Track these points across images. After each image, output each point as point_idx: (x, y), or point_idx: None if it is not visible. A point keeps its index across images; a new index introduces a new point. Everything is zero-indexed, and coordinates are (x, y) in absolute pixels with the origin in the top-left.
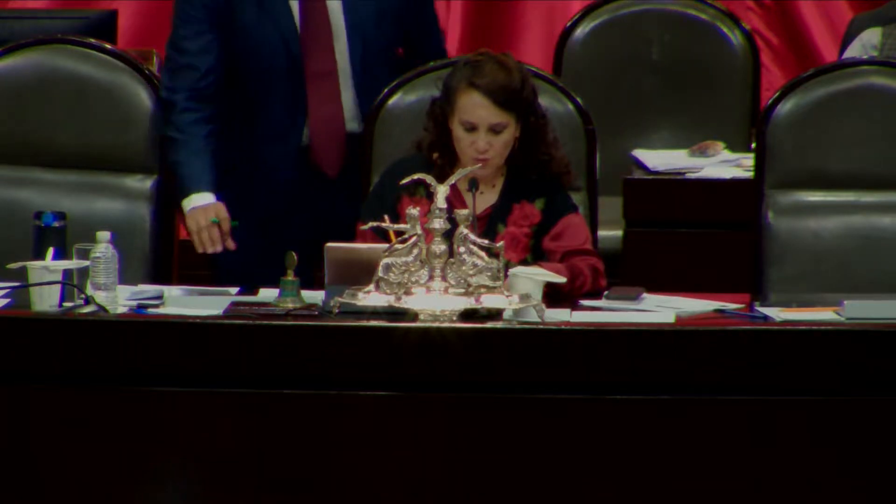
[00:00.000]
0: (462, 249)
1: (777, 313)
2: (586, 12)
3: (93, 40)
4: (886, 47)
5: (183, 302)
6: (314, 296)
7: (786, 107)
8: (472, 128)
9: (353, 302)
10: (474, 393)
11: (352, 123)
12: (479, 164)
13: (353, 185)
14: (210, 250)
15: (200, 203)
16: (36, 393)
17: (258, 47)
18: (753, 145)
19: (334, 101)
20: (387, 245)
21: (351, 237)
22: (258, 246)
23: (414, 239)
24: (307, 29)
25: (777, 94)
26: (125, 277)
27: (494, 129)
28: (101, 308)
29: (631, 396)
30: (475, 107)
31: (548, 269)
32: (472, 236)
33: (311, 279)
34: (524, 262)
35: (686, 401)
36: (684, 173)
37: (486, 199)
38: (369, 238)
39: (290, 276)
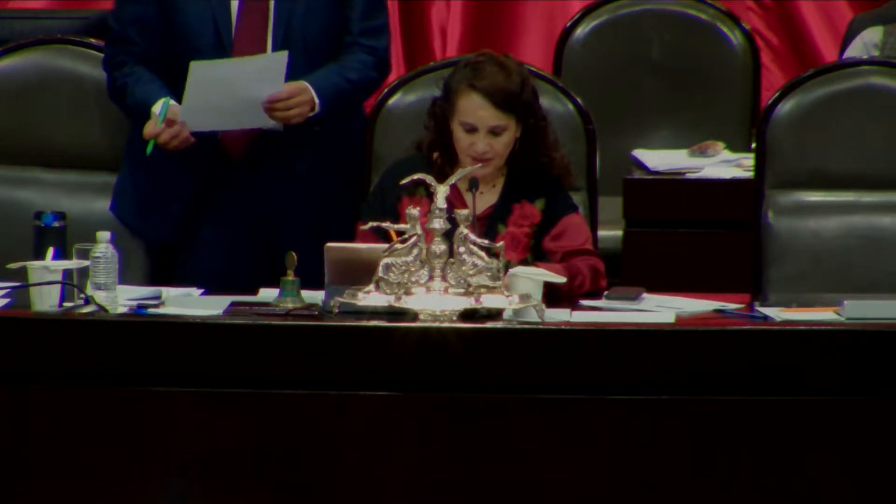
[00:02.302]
0: (462, 249)
1: (777, 313)
2: (586, 12)
3: (93, 40)
4: (887, 47)
5: (183, 302)
6: (314, 296)
7: (786, 107)
8: (471, 129)
9: (353, 302)
10: (474, 393)
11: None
12: (479, 165)
13: (265, 177)
14: (172, 146)
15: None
16: (36, 393)
17: (189, 24)
18: (753, 145)
19: None
20: (387, 245)
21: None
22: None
23: (414, 239)
24: (243, 18)
25: (777, 94)
26: (125, 277)
27: (494, 131)
28: (101, 308)
29: (631, 396)
30: (475, 108)
31: (546, 270)
32: (472, 236)
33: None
34: (524, 263)
35: (686, 401)
36: (684, 173)
37: (487, 199)
38: (369, 238)
39: (290, 276)
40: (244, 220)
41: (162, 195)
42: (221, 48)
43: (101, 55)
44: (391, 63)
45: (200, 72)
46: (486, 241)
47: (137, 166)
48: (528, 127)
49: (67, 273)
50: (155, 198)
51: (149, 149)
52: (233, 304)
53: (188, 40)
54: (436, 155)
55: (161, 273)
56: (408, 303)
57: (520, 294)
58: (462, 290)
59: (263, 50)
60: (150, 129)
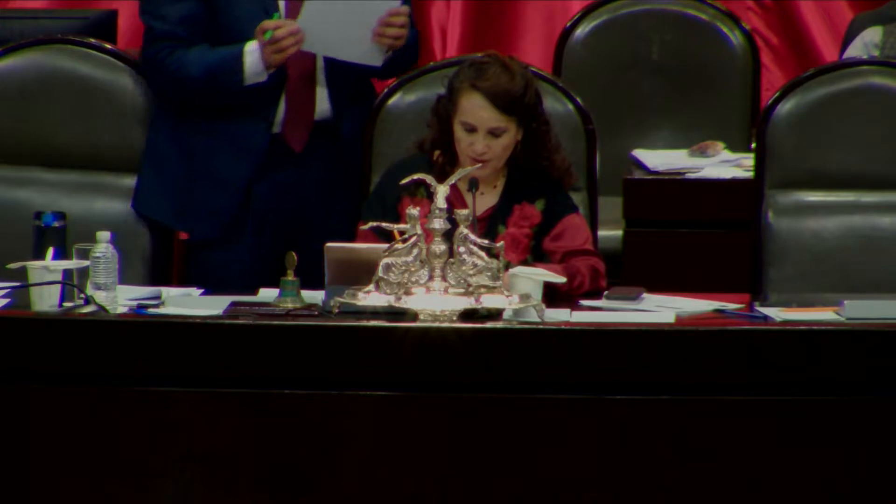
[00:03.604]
0: (462, 249)
1: (777, 313)
2: (586, 12)
3: (93, 40)
4: (887, 46)
5: (183, 302)
6: (314, 296)
7: (786, 107)
8: (471, 129)
9: (353, 302)
10: (474, 393)
11: (323, 104)
12: (478, 165)
13: (319, 165)
14: (287, 45)
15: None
16: (36, 393)
17: (238, 18)
18: (753, 145)
19: (309, 86)
20: (387, 245)
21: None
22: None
23: (414, 239)
24: (291, 11)
25: (777, 94)
26: (125, 277)
27: (494, 133)
28: (101, 308)
29: (631, 396)
30: (475, 109)
31: (546, 270)
32: (472, 236)
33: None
34: (524, 263)
35: (686, 401)
36: (684, 173)
37: (487, 200)
38: (369, 238)
39: (290, 276)
40: (289, 213)
41: (208, 190)
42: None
43: (123, 64)
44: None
45: None
46: (486, 242)
47: (170, 162)
48: (530, 130)
49: (67, 273)
50: (200, 193)
51: (267, 35)
52: (233, 304)
53: (238, 34)
54: (437, 154)
55: (161, 273)
56: (408, 303)
57: (520, 294)
58: (462, 290)
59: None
60: (268, 22)
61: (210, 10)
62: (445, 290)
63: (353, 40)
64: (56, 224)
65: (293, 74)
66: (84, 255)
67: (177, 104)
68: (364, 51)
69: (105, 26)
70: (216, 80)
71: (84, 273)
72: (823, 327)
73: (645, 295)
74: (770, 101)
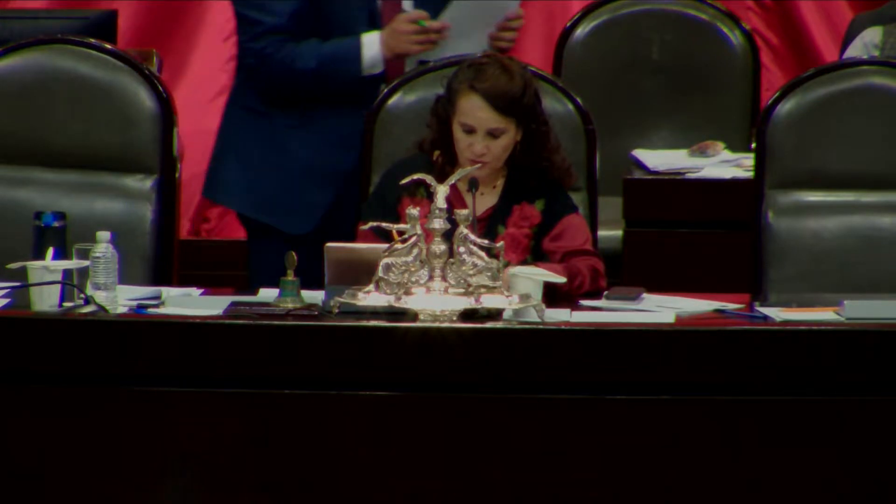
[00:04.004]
0: (462, 249)
1: (777, 313)
2: (586, 12)
3: (93, 40)
4: (887, 47)
5: (183, 302)
6: (314, 296)
7: (786, 107)
8: (470, 130)
9: (353, 302)
10: (474, 393)
11: None
12: (476, 166)
13: None
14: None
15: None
16: (36, 393)
17: (342, 15)
18: (753, 145)
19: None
20: (387, 245)
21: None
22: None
23: (414, 239)
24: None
25: (777, 94)
26: (125, 277)
27: (492, 133)
28: (101, 308)
29: (631, 396)
30: (474, 110)
31: (546, 270)
32: (472, 236)
33: None
34: (524, 263)
35: (686, 401)
36: (684, 173)
37: (487, 200)
38: (369, 238)
39: (290, 276)
40: None
41: (302, 184)
42: (375, 23)
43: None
44: None
45: None
46: (486, 242)
47: (253, 155)
48: (529, 130)
49: (67, 273)
50: (293, 187)
51: (422, 24)
52: (233, 304)
53: (338, 29)
54: (437, 154)
55: (161, 273)
56: (408, 303)
57: (520, 294)
58: (462, 290)
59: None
60: (416, 12)
61: (315, 4)
62: (445, 290)
63: (471, 41)
64: (56, 224)
65: (387, 68)
66: (84, 255)
67: (284, 97)
68: (462, 46)
69: (105, 26)
70: (331, 72)
71: (84, 273)
72: (823, 327)
73: (645, 295)
74: (770, 101)
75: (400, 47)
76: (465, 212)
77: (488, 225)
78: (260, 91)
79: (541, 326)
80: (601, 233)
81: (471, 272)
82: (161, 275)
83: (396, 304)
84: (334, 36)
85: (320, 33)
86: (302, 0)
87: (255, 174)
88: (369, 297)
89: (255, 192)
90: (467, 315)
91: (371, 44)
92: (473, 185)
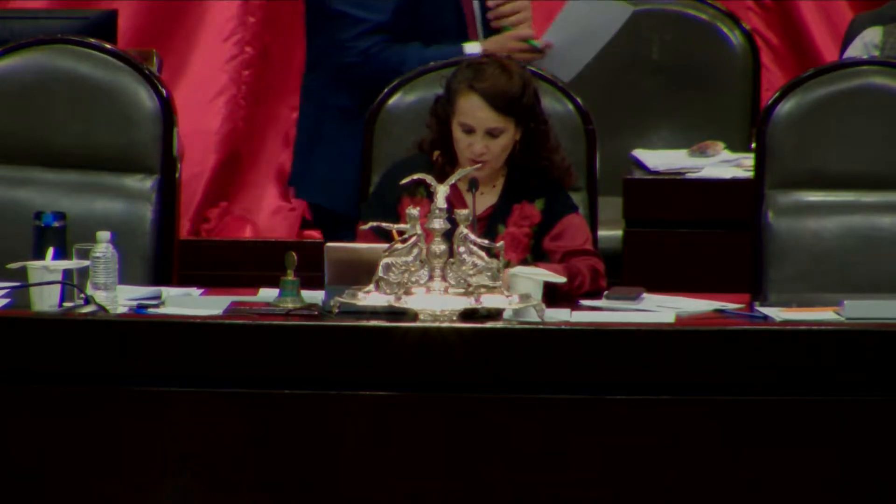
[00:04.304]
0: (462, 249)
1: (777, 313)
2: None
3: (93, 40)
4: (887, 47)
5: (183, 302)
6: (314, 296)
7: (786, 107)
8: (469, 130)
9: (353, 302)
10: (474, 393)
11: None
12: (476, 166)
13: None
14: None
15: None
16: (36, 393)
17: (435, 18)
18: (753, 145)
19: None
20: (387, 245)
21: None
22: None
23: (414, 239)
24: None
25: (777, 94)
26: (125, 277)
27: (492, 133)
28: (101, 308)
29: (631, 396)
30: (473, 110)
31: (546, 270)
32: (472, 236)
33: None
34: (524, 263)
35: (686, 401)
36: (684, 173)
37: (487, 199)
38: (369, 238)
39: (290, 276)
40: None
41: None
42: (463, 27)
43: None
44: None
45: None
46: (486, 241)
47: (348, 156)
48: (529, 130)
49: (67, 273)
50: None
51: (533, 42)
52: (233, 304)
53: (429, 33)
54: (437, 154)
55: (161, 273)
56: (408, 303)
57: (520, 294)
58: (462, 290)
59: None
60: (524, 33)
61: (413, 3)
62: (445, 290)
63: (572, 60)
64: (56, 224)
65: None
66: (84, 255)
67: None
68: (569, 67)
69: (105, 26)
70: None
71: (84, 273)
72: (823, 327)
73: (645, 295)
74: (770, 101)
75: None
76: (465, 212)
77: (488, 224)
78: (357, 89)
79: (541, 326)
80: (601, 233)
81: (471, 272)
82: (161, 275)
83: (396, 304)
84: (425, 35)
85: (417, 33)
86: None
87: (347, 172)
88: (369, 297)
89: (346, 188)
90: (467, 315)
91: (472, 53)
92: (473, 184)
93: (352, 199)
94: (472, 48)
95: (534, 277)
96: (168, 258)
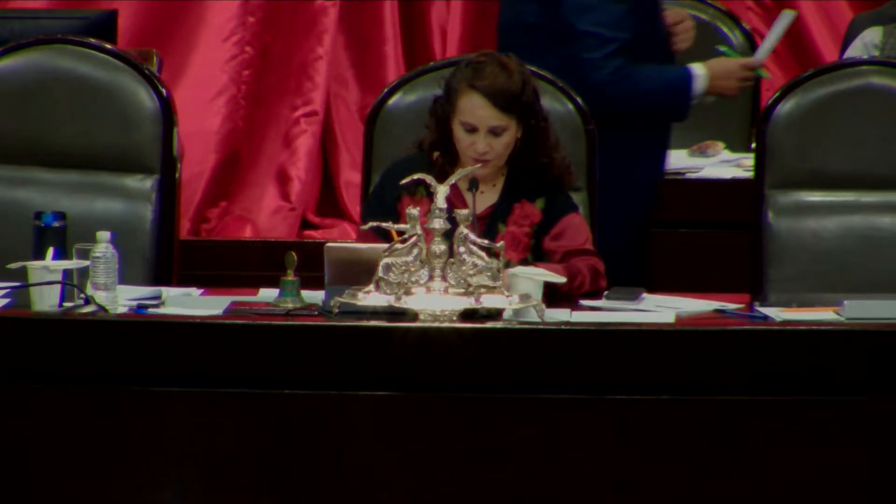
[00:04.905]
0: (462, 249)
1: (777, 313)
2: None
3: (93, 40)
4: (887, 47)
5: (183, 302)
6: (314, 296)
7: (786, 107)
8: (471, 129)
9: (353, 302)
10: (474, 393)
11: None
12: (479, 165)
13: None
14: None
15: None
16: (36, 393)
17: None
18: (753, 145)
19: None
20: (387, 245)
21: None
22: None
23: (414, 239)
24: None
25: (777, 94)
26: (125, 277)
27: (494, 132)
28: (101, 308)
29: (631, 396)
30: (475, 108)
31: (546, 270)
32: (472, 236)
33: None
34: (524, 262)
35: (686, 401)
36: (684, 173)
37: (487, 198)
38: (369, 238)
39: (290, 276)
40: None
41: (622, 193)
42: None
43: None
44: None
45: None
46: (486, 241)
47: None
48: (529, 127)
49: (67, 273)
50: (614, 197)
51: (762, 73)
52: (233, 304)
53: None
54: (436, 154)
55: (161, 273)
56: (408, 303)
57: (520, 294)
58: (462, 290)
59: None
60: (754, 62)
61: (649, 22)
62: (445, 290)
63: None
64: (56, 224)
65: None
66: (84, 255)
67: (619, 115)
68: None
69: (105, 26)
70: (668, 97)
71: (84, 273)
72: (823, 327)
73: (645, 295)
74: (770, 101)
75: (725, 88)
76: (465, 212)
77: (489, 223)
78: (607, 105)
79: (541, 326)
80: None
81: (471, 272)
82: (161, 275)
83: (396, 304)
84: (659, 54)
85: (652, 52)
86: (636, 18)
87: None
88: (369, 297)
89: None
90: (467, 315)
91: (700, 77)
92: (473, 184)
93: None
94: (700, 73)
95: (534, 277)
96: (168, 258)
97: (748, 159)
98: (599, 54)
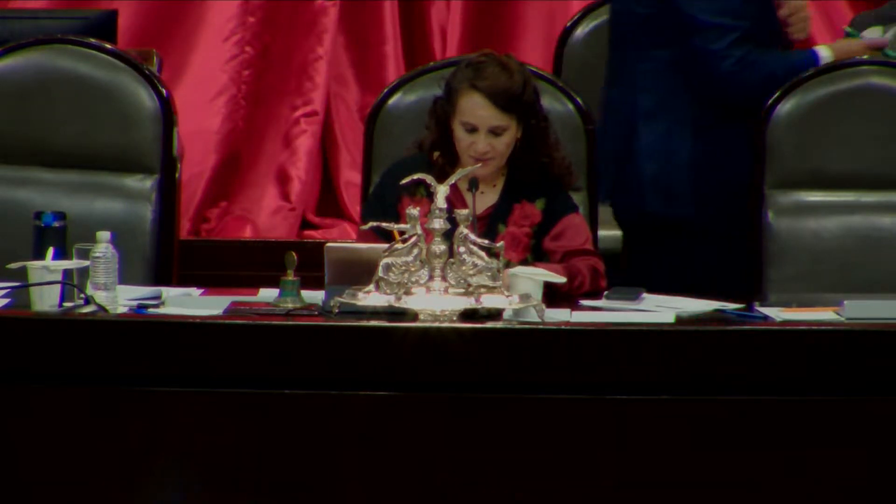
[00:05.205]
0: (462, 249)
1: (777, 313)
2: (586, 12)
3: (93, 40)
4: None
5: (183, 302)
6: (314, 296)
7: (786, 107)
8: (472, 129)
9: (353, 302)
10: (474, 393)
11: None
12: (479, 165)
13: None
14: None
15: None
16: (36, 393)
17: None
18: None
19: None
20: (387, 245)
21: None
22: None
23: (414, 239)
24: None
25: (777, 94)
26: (125, 277)
27: (494, 132)
28: (101, 308)
29: (631, 396)
30: (475, 108)
31: (546, 270)
32: (472, 236)
33: None
34: (524, 263)
35: (686, 401)
36: None
37: (487, 199)
38: (369, 238)
39: (290, 276)
40: None
41: (728, 191)
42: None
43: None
44: None
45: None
46: (486, 241)
47: (683, 164)
48: (530, 127)
49: (67, 273)
50: (719, 192)
51: (892, 53)
52: (233, 304)
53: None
54: (436, 155)
55: (161, 273)
56: (408, 303)
57: (520, 294)
58: (462, 290)
59: None
60: (879, 41)
61: (768, 10)
62: (445, 290)
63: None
64: (56, 224)
65: None
66: (84, 255)
67: (749, 103)
68: None
69: (105, 26)
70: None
71: (84, 273)
72: (823, 327)
73: (645, 295)
74: (770, 101)
75: None
76: (465, 212)
77: (489, 223)
78: (736, 96)
79: (541, 326)
80: (601, 233)
81: (471, 272)
82: (161, 275)
83: (396, 304)
84: (763, 43)
85: (772, 38)
86: (752, 5)
87: (685, 181)
88: (369, 297)
89: (684, 195)
90: (467, 315)
91: (826, 59)
92: (473, 184)
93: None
94: (825, 54)
95: (534, 277)
96: (168, 258)
97: None
98: (722, 44)
